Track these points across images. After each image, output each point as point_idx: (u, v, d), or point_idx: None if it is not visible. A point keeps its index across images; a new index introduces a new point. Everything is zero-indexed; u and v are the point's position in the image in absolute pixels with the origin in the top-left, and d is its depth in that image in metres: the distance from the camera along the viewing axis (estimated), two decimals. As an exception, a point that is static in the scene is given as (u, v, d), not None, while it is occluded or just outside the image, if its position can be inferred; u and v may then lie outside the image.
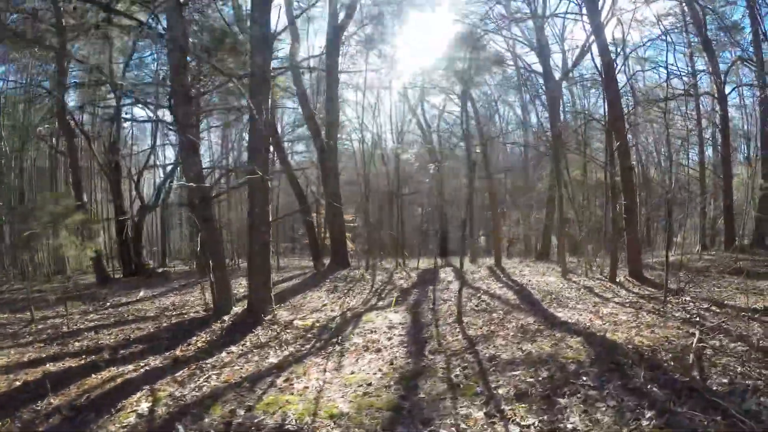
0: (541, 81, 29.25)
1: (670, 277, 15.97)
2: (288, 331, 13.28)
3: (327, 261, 26.85)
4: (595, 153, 27.65)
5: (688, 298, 14.65)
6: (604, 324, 12.02)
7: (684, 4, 25.65)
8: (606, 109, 19.73)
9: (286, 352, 11.27)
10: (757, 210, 25.93)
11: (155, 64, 28.21)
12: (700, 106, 28.92)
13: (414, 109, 34.52)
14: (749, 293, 14.46)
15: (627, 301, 15.13)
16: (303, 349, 11.52)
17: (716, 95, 26.56)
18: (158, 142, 34.68)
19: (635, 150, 28.16)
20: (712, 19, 26.96)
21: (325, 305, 16.47)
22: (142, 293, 20.91)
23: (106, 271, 26.38)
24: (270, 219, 14.73)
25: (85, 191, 28.54)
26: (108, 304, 18.84)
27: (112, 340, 13.19)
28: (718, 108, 26.73)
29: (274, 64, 21.23)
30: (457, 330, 12.43)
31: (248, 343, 12.31)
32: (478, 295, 17.35)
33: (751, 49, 26.14)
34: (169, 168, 32.38)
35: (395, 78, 30.86)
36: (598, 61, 19.32)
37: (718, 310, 12.87)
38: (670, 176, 31.75)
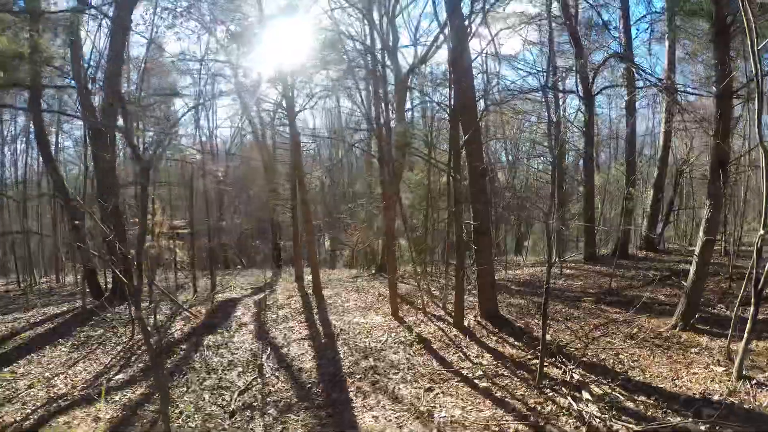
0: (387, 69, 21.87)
1: (533, 318, 11.84)
2: None
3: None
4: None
5: (575, 374, 8.58)
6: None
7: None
8: (452, 94, 12.81)
9: None
10: (621, 218, 21.01)
11: None
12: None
13: (248, 108, 26.92)
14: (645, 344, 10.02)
15: (480, 373, 9.08)
16: None
17: (582, 94, 20.85)
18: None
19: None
20: (582, 16, 22.57)
21: (31, 386, 9.92)
22: None
23: None
24: None
25: None
26: None
27: None
28: (583, 108, 21.10)
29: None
30: None
31: None
32: (262, 358, 10.78)
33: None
34: None
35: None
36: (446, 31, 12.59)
37: (630, 406, 7.37)
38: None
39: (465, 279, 12.26)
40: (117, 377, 10.34)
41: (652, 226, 21.89)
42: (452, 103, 12.85)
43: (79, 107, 18.78)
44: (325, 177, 35.34)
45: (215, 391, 9.19)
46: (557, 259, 20.35)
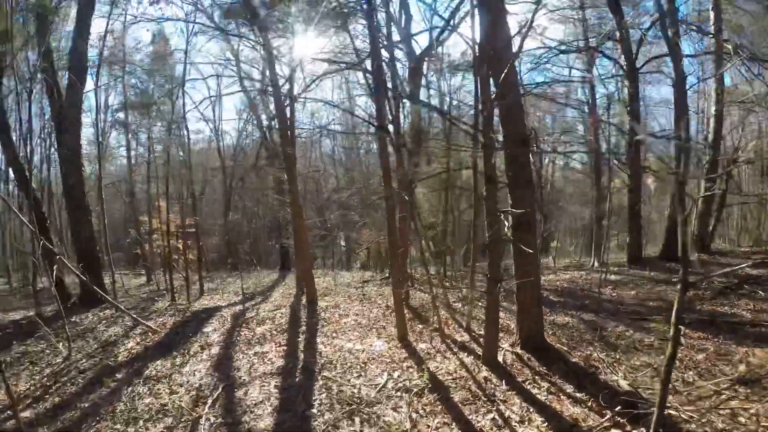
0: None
1: (593, 348, 8.14)
2: None
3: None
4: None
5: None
6: None
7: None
8: (476, 34, 8.80)
9: None
10: (670, 214, 16.88)
11: None
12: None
13: (251, 98, 23.58)
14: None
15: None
16: None
17: (624, 66, 17.27)
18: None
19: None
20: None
21: None
22: None
23: None
24: None
25: None
26: None
27: None
28: (627, 84, 17.44)
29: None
30: None
31: None
32: (206, 405, 7.16)
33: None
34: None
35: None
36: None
37: None
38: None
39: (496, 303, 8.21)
40: (22, 414, 7.28)
41: (703, 224, 17.72)
42: (477, 36, 8.72)
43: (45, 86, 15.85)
44: (340, 173, 32.16)
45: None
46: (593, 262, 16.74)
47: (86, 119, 24.24)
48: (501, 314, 9.39)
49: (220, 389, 7.54)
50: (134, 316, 11.89)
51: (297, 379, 7.85)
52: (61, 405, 7.62)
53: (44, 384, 8.59)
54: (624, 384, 6.50)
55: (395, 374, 7.72)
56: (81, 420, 7.02)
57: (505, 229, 7.47)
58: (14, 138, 15.22)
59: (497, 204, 7.33)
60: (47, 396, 8.04)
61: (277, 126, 17.86)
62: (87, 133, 22.92)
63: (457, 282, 13.88)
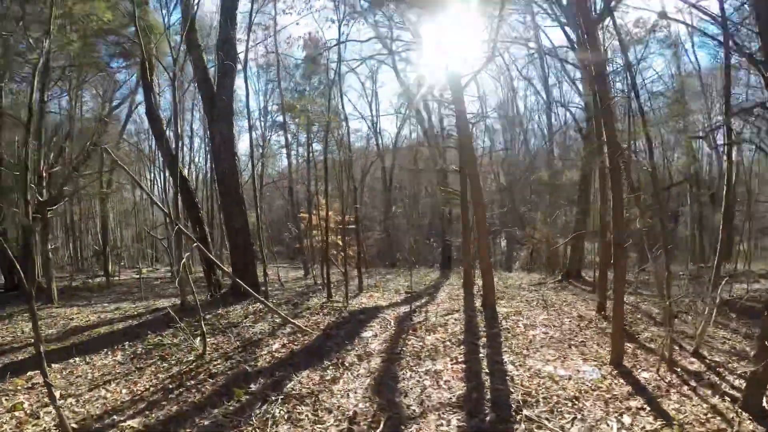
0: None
1: None
2: None
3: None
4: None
5: None
6: None
7: None
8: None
9: None
10: None
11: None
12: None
13: (411, 96, 22.49)
14: None
15: None
16: None
17: None
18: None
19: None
20: None
21: (13, 410, 6.49)
22: None
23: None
24: None
25: None
26: None
27: None
28: None
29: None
30: None
31: None
32: None
33: None
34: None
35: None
36: None
37: None
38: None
39: None
40: (129, 422, 6.06)
41: None
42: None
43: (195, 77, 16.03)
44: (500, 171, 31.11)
45: None
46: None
47: (243, 122, 24.74)
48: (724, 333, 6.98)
49: (381, 425, 5.39)
50: (282, 314, 10.33)
51: (487, 418, 5.45)
52: (177, 416, 6.17)
53: (166, 386, 7.26)
54: None
55: (625, 419, 5.25)
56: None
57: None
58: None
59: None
60: (165, 402, 6.65)
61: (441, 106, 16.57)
62: (246, 136, 23.55)
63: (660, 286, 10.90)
